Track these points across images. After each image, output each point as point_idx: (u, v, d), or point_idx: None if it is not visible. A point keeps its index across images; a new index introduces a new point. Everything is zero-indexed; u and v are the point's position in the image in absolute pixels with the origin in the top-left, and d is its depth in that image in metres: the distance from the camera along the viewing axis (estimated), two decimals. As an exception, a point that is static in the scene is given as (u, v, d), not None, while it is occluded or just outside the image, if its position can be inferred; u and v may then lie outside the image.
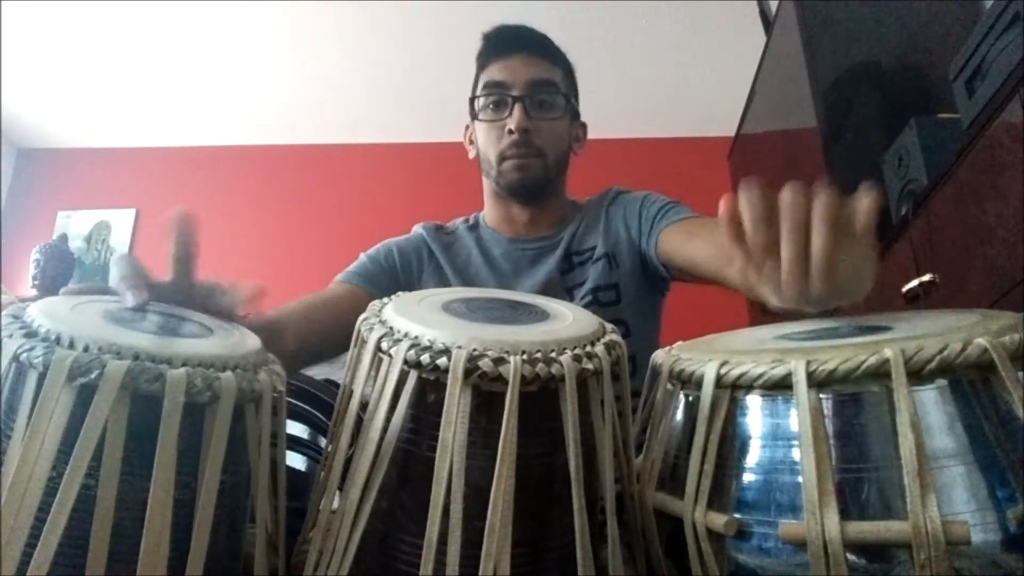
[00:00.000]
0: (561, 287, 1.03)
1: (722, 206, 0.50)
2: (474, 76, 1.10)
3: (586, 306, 0.98)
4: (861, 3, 1.94)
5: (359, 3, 2.78)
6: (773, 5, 2.22)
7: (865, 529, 0.36)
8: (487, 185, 1.11)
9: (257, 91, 3.29)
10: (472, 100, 1.08)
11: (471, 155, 1.13)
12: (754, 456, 0.42)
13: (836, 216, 0.47)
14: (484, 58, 1.08)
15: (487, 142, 1.05)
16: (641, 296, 1.03)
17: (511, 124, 1.01)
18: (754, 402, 0.43)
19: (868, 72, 1.90)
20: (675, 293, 1.09)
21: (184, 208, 0.54)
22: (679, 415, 0.48)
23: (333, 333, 0.92)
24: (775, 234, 0.48)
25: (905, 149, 1.56)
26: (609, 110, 3.10)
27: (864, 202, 0.48)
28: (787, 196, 0.48)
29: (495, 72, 1.05)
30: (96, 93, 3.28)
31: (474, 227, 1.14)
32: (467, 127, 1.14)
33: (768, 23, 2.28)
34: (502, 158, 1.03)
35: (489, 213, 1.13)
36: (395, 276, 1.05)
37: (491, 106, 1.04)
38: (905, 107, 1.69)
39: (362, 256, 1.08)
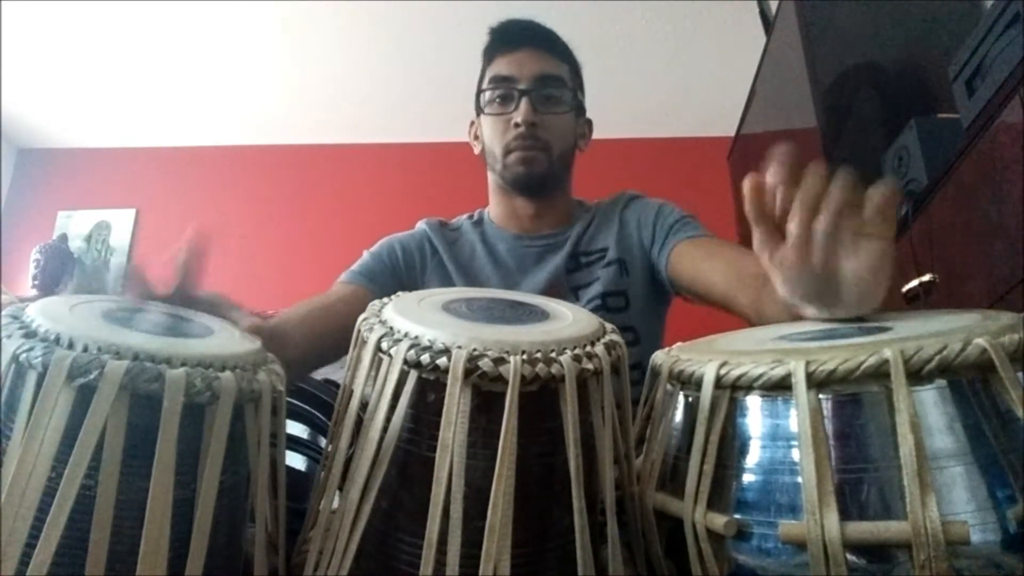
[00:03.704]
0: (566, 286, 1.02)
1: (746, 184, 0.52)
2: (480, 70, 1.10)
3: (594, 310, 0.98)
4: (861, 3, 1.94)
5: (359, 3, 2.78)
6: (773, 5, 2.22)
7: (865, 529, 0.36)
8: (492, 180, 1.11)
9: (257, 91, 3.29)
10: (478, 94, 1.08)
11: (476, 150, 1.12)
12: (754, 457, 0.42)
13: (847, 195, 0.49)
14: (491, 52, 1.07)
15: (493, 135, 1.05)
16: (649, 304, 1.03)
17: (517, 117, 1.01)
18: (754, 403, 0.43)
19: (868, 72, 1.90)
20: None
21: (202, 225, 0.56)
22: (679, 416, 0.48)
23: (339, 336, 0.91)
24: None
25: (905, 149, 1.56)
26: (609, 110, 3.09)
27: (879, 191, 0.50)
28: (806, 179, 0.50)
29: (502, 66, 1.04)
30: (96, 93, 3.27)
31: (478, 223, 1.13)
32: (472, 123, 1.14)
33: (768, 23, 2.28)
34: (507, 151, 1.03)
35: (494, 209, 1.12)
36: (398, 273, 1.05)
37: (497, 100, 1.04)
38: (905, 107, 1.69)
39: (365, 254, 1.08)
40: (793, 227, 0.50)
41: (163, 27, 2.88)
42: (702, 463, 0.43)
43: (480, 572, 0.38)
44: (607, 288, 1.01)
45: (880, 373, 0.38)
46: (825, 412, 0.39)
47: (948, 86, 1.42)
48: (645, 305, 1.02)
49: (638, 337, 0.99)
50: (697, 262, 0.94)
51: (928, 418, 0.38)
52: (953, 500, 0.36)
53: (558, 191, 1.09)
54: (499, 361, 0.41)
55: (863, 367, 0.39)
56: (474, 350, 0.41)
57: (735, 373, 0.43)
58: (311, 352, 0.88)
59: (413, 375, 0.42)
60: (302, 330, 0.87)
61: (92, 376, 0.36)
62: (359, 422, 0.45)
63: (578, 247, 1.05)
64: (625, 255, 1.03)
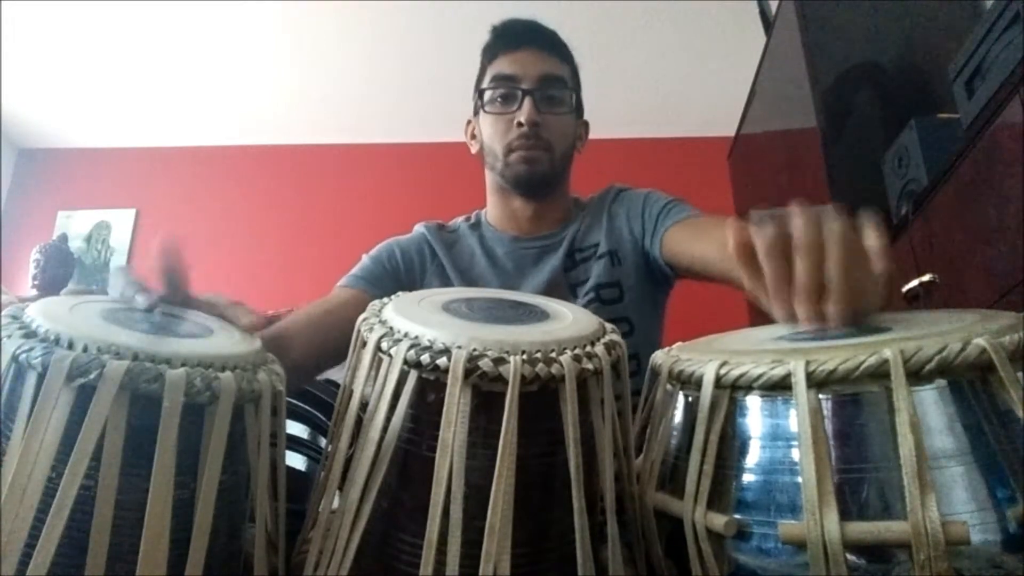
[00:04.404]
0: (564, 285, 1.02)
1: (730, 236, 0.50)
2: (480, 69, 1.09)
3: (588, 303, 0.98)
4: (861, 3, 1.94)
5: (359, 3, 2.78)
6: (773, 5, 2.22)
7: (865, 529, 0.36)
8: (491, 179, 1.10)
9: (257, 91, 3.29)
10: (479, 92, 1.07)
11: (473, 150, 1.12)
12: (754, 456, 0.42)
13: (849, 239, 0.46)
14: (493, 51, 1.07)
15: (494, 134, 1.04)
16: (644, 294, 1.03)
17: (521, 117, 1.00)
18: (754, 402, 0.43)
19: (868, 72, 1.90)
20: (676, 292, 1.09)
21: (168, 237, 0.55)
22: (679, 415, 0.48)
23: (341, 340, 0.91)
24: (788, 262, 0.48)
25: (905, 149, 1.56)
26: (609, 110, 3.10)
27: (871, 227, 0.48)
28: (798, 222, 0.47)
29: (504, 65, 1.04)
30: (96, 93, 3.28)
31: (476, 225, 1.13)
32: (468, 122, 1.13)
33: (768, 23, 2.28)
34: (509, 150, 1.03)
35: (492, 210, 1.12)
36: (398, 276, 1.04)
37: (499, 99, 1.04)
38: (905, 107, 1.69)
39: (364, 258, 1.07)
40: (802, 278, 0.46)
41: (163, 27, 2.89)
42: (702, 463, 0.43)
43: (480, 572, 0.38)
44: (600, 280, 1.01)
45: (880, 373, 0.38)
46: (825, 412, 0.39)
47: (948, 86, 1.42)
48: (640, 295, 1.02)
49: (632, 328, 0.99)
50: (690, 243, 0.94)
51: (928, 418, 0.38)
52: (953, 500, 0.36)
53: (556, 192, 1.09)
54: (499, 361, 0.41)
55: (863, 367, 0.39)
56: (474, 350, 0.41)
57: (735, 373, 0.43)
58: (313, 357, 0.88)
59: (413, 375, 0.42)
60: (305, 335, 0.87)
61: (92, 376, 0.36)
62: (359, 422, 0.45)
63: (573, 245, 1.06)
64: (616, 246, 1.04)
